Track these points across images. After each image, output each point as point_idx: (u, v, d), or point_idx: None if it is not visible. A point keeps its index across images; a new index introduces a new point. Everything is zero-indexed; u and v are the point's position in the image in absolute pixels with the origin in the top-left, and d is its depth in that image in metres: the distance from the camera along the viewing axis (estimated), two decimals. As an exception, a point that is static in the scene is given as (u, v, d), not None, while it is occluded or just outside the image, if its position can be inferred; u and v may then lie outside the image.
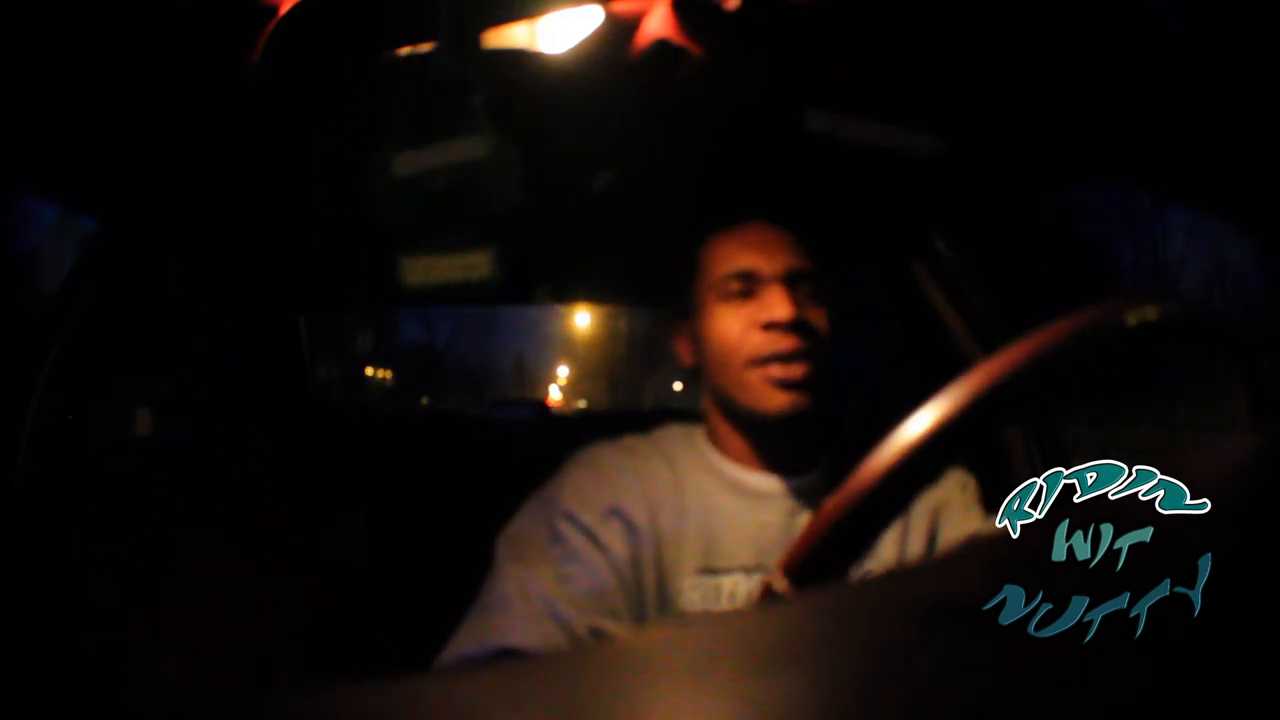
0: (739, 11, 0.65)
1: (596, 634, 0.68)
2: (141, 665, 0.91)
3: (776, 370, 0.73)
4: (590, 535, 0.72)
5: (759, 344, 0.74)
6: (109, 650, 0.91)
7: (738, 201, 0.83)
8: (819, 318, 0.76)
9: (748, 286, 0.77)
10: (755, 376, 0.74)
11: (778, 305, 0.74)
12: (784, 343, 0.73)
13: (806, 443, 0.80)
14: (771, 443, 0.78)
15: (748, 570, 0.73)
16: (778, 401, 0.73)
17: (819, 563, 0.32)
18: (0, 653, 0.84)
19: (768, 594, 0.33)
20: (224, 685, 0.91)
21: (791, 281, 0.76)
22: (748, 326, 0.75)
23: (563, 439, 0.85)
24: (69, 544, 0.95)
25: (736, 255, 0.78)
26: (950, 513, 0.77)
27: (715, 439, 0.81)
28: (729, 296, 0.77)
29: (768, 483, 0.77)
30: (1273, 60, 0.57)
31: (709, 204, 0.85)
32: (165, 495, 1.01)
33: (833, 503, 0.32)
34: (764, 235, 0.79)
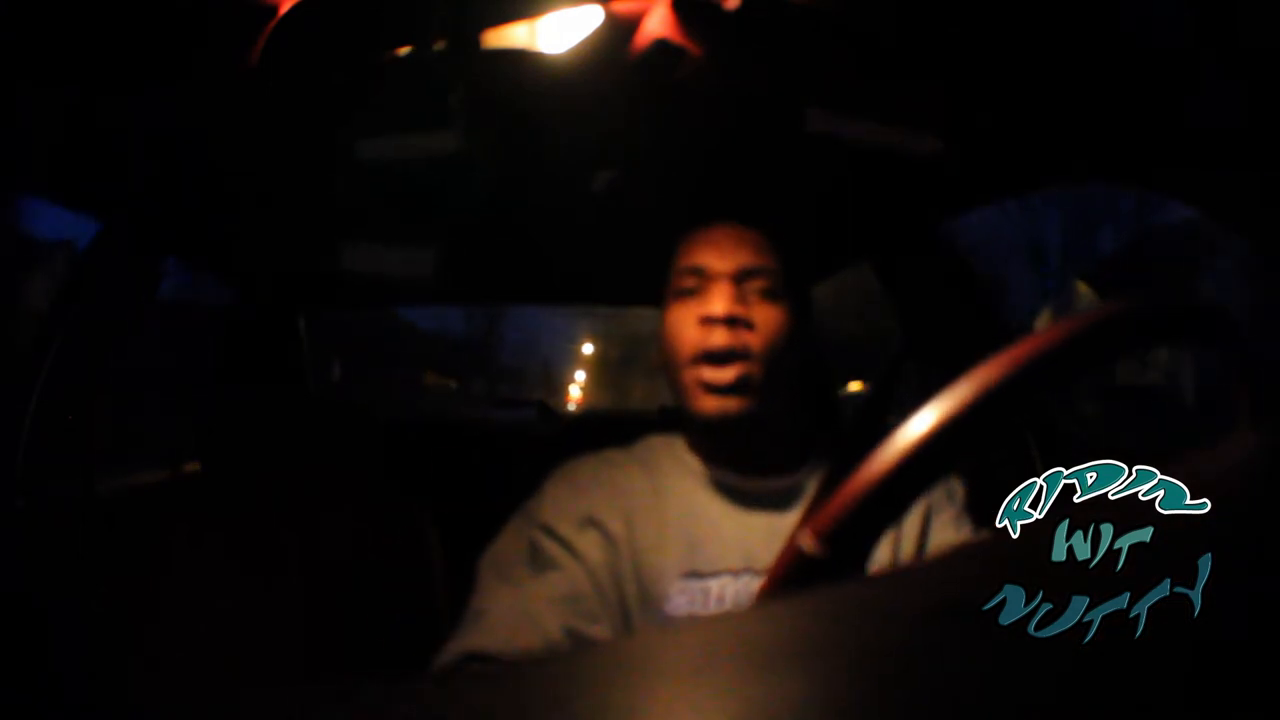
0: (739, 11, 0.65)
1: (573, 639, 0.69)
2: (141, 666, 0.91)
3: (707, 374, 0.73)
4: (566, 545, 0.73)
5: (695, 339, 0.74)
6: (109, 651, 0.91)
7: (710, 201, 0.83)
8: (770, 314, 0.75)
9: (698, 283, 0.77)
10: (689, 379, 0.75)
11: (715, 301, 0.74)
12: (716, 338, 0.73)
13: (785, 444, 0.80)
14: (736, 447, 0.78)
15: (735, 573, 0.73)
16: (708, 406, 0.74)
17: (853, 522, 0.32)
18: (2, 653, 0.84)
19: (797, 556, 0.33)
20: (224, 685, 0.91)
21: (740, 279, 0.76)
22: (689, 321, 0.76)
23: (561, 441, 0.85)
24: (69, 543, 0.95)
25: (693, 253, 0.78)
26: (939, 520, 0.77)
27: (694, 444, 0.81)
28: (682, 294, 0.78)
29: (750, 485, 0.78)
30: (1273, 59, 0.57)
31: (685, 204, 0.85)
32: (165, 495, 1.01)
33: (871, 464, 0.32)
34: (727, 235, 0.79)
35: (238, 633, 0.95)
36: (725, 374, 0.73)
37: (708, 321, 0.74)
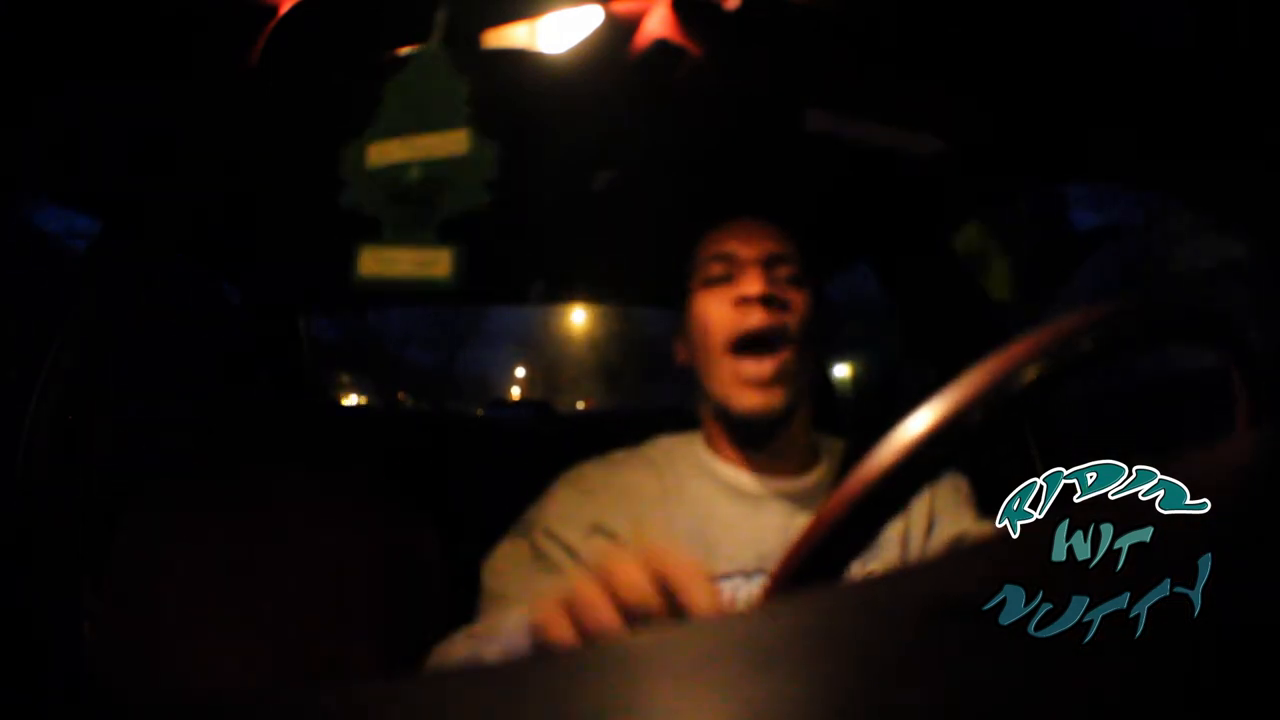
0: (739, 11, 0.65)
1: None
2: (141, 665, 0.91)
3: (747, 368, 0.74)
4: (571, 551, 0.73)
5: (730, 322, 0.75)
6: (109, 650, 0.91)
7: (730, 200, 0.84)
8: (798, 299, 0.77)
9: (727, 270, 0.78)
10: (727, 374, 0.75)
11: (751, 282, 0.75)
12: (753, 318, 0.74)
13: (803, 442, 0.80)
14: (765, 443, 0.78)
15: (748, 574, 0.73)
16: (749, 400, 0.74)
17: (806, 576, 0.32)
18: (2, 653, 0.84)
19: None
20: (223, 685, 0.91)
21: (769, 264, 0.77)
22: (724, 305, 0.76)
23: (560, 440, 0.85)
24: (70, 543, 0.95)
25: (719, 242, 0.80)
26: (943, 514, 0.78)
27: (712, 443, 0.81)
28: (711, 281, 0.79)
29: (766, 485, 0.77)
30: (1272, 60, 0.57)
31: (703, 204, 0.86)
32: (166, 495, 1.01)
33: (817, 516, 0.33)
34: (749, 227, 0.80)
35: (237, 632, 0.94)
36: (765, 367, 0.74)
37: (744, 302, 0.75)
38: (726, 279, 0.78)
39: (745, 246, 0.78)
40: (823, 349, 0.85)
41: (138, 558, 0.96)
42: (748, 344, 0.74)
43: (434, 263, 0.58)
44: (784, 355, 0.74)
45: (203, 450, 1.26)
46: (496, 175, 0.57)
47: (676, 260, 0.85)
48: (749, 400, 0.74)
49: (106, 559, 0.95)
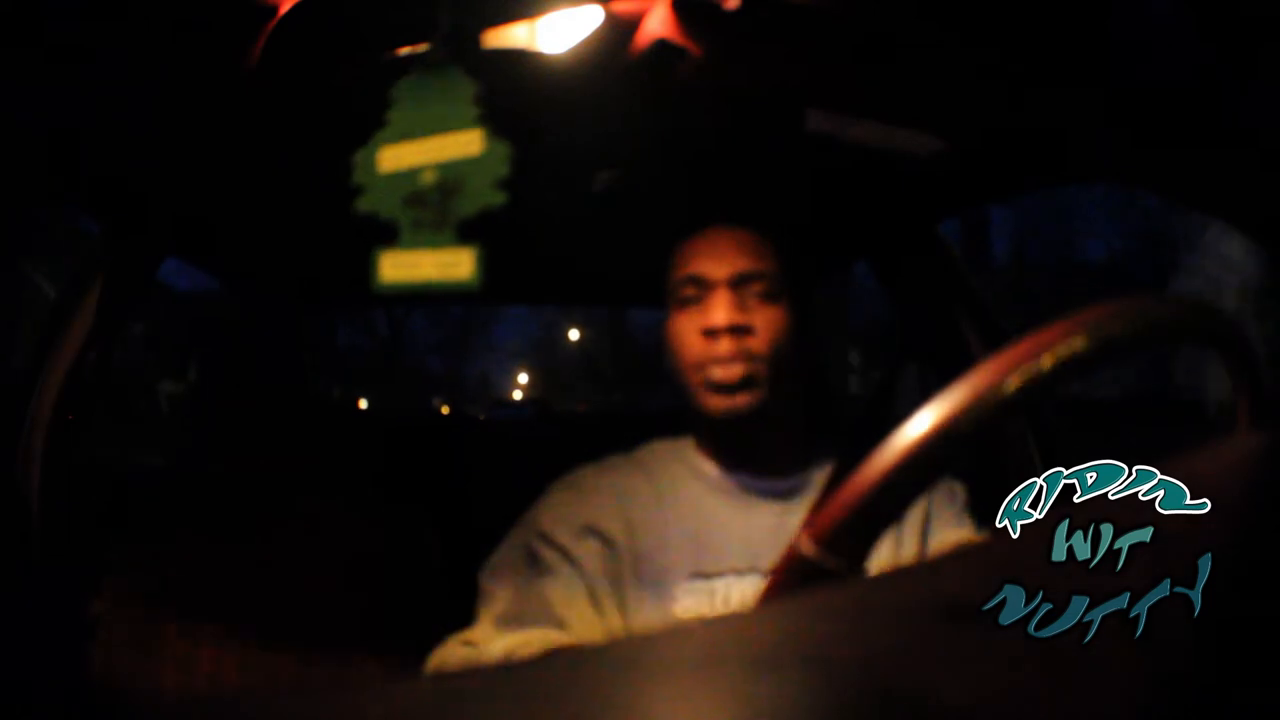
0: (739, 11, 0.65)
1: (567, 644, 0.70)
2: (142, 667, 0.91)
3: (714, 372, 0.74)
4: (564, 553, 0.74)
5: (700, 350, 0.75)
6: (110, 651, 0.91)
7: (707, 202, 0.83)
8: (770, 318, 0.76)
9: (697, 292, 0.77)
10: (697, 380, 0.76)
11: (715, 311, 0.75)
12: (719, 349, 0.74)
13: (792, 442, 0.80)
14: (747, 444, 0.78)
15: (740, 572, 0.74)
16: (717, 404, 0.75)
17: (850, 526, 0.32)
18: (3, 652, 0.84)
19: (795, 557, 0.33)
20: (223, 687, 0.91)
21: (739, 284, 0.76)
22: (692, 333, 0.76)
23: (559, 441, 0.85)
24: (70, 543, 0.95)
25: (690, 260, 0.79)
26: (939, 520, 0.78)
27: (702, 446, 0.82)
28: (682, 303, 0.78)
29: (756, 484, 0.78)
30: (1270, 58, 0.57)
31: (701, 204, 0.85)
32: (165, 495, 1.01)
33: (868, 467, 0.32)
34: (722, 238, 0.79)
35: (237, 633, 0.95)
36: (733, 371, 0.74)
37: (710, 333, 0.75)
38: (696, 301, 0.77)
39: (715, 266, 0.77)
40: (815, 351, 0.84)
41: (138, 558, 0.96)
42: (713, 362, 0.75)
43: (456, 264, 0.58)
44: (752, 365, 0.74)
45: (202, 450, 1.26)
46: (510, 174, 0.56)
47: (662, 265, 0.85)
48: (716, 404, 0.75)
49: (107, 559, 0.95)
